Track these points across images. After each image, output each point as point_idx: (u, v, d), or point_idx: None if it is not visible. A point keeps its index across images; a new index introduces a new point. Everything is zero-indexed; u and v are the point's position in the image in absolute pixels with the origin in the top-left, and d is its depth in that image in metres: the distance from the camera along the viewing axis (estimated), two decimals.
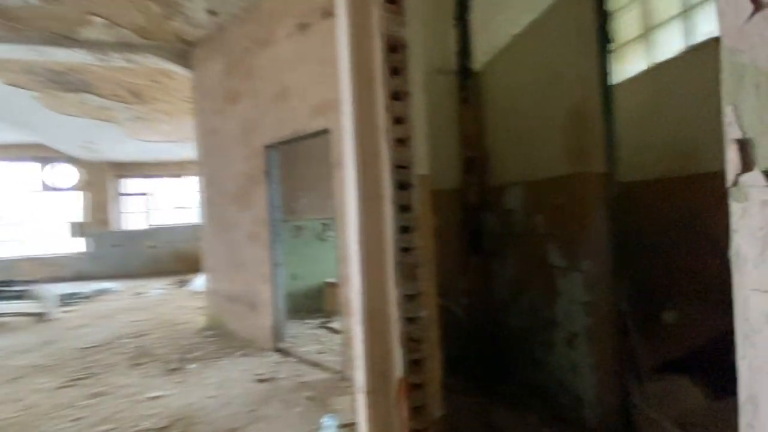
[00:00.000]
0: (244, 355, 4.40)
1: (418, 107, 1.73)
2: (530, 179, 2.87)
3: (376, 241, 1.78)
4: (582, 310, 2.35)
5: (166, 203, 11.97)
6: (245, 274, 4.78)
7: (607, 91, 2.25)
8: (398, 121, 1.71)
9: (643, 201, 3.19)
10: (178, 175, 11.83)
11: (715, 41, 2.55)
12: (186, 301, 7.26)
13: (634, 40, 3.71)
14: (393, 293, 1.69)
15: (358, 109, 1.84)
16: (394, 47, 1.67)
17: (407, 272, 1.68)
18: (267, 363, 4.18)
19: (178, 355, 4.40)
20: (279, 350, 4.42)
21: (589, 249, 2.29)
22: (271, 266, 4.39)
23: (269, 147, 4.39)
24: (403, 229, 1.70)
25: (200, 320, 5.67)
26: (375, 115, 1.81)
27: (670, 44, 3.34)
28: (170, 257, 10.57)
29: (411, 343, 1.66)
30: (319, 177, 5.49)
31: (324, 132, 3.77)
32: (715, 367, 2.63)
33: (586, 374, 2.34)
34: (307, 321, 5.52)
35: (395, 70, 1.68)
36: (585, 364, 2.35)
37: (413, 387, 1.66)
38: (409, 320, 1.68)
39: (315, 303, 5.84)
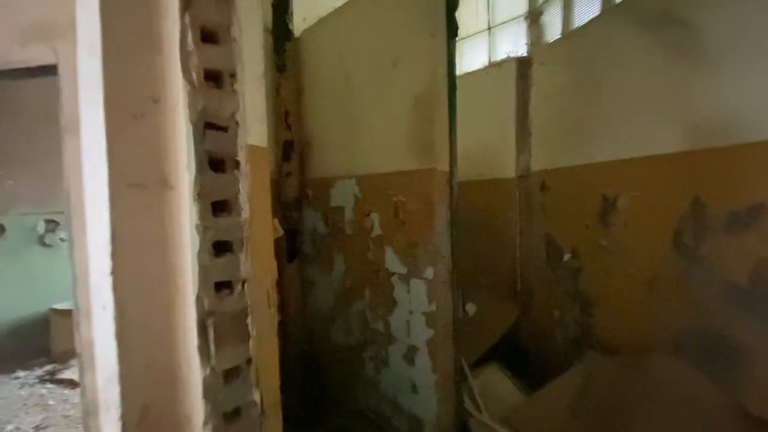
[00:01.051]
0: None
1: (249, 18, 0.96)
2: (365, 173, 2.46)
3: (158, 273, 0.92)
4: (423, 322, 2.12)
5: None
6: None
7: (453, 84, 2.07)
8: (209, 37, 0.89)
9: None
10: None
11: (513, 61, 2.80)
12: None
13: None
14: (196, 374, 0.88)
15: (112, 4, 0.91)
16: None
17: (226, 329, 0.90)
18: None
19: None
20: None
21: (434, 253, 2.06)
22: None
23: None
24: (220, 248, 0.91)
25: None
26: (156, 20, 0.92)
27: (477, 57, 3.68)
28: None
29: None
30: (41, 147, 3.52)
31: (47, 69, 2.18)
32: (515, 351, 3.02)
33: (426, 391, 2.12)
34: (18, 374, 3.47)
35: None
36: (425, 381, 2.13)
37: None
38: (230, 416, 0.90)
39: (33, 343, 3.76)
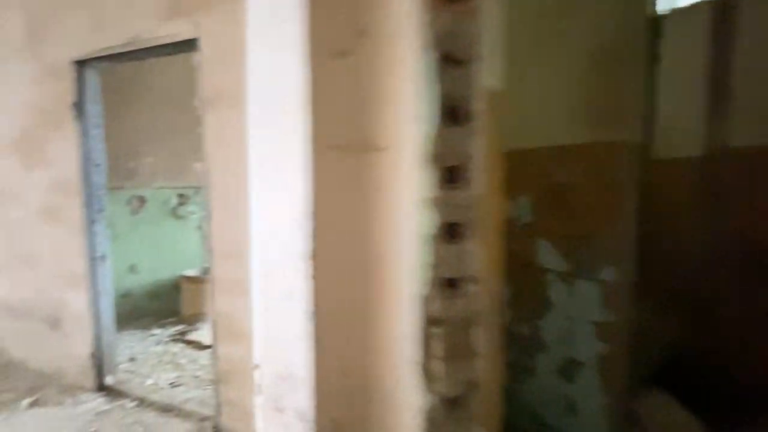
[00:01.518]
0: (36, 403, 2.63)
1: None
2: (510, 147, 2.08)
3: (358, 261, 0.69)
4: (593, 333, 1.72)
5: None
6: (37, 273, 2.90)
7: (654, 27, 1.58)
8: None
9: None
10: None
11: (708, 2, 1.94)
12: None
13: None
14: (411, 396, 0.64)
15: None
16: None
17: (452, 343, 0.64)
18: (80, 415, 2.55)
19: None
20: (105, 388, 2.81)
21: (613, 250, 1.63)
22: (88, 259, 2.69)
23: (82, 64, 2.57)
24: (450, 231, 0.64)
25: None
26: None
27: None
28: None
29: None
30: (177, 123, 3.75)
31: (187, 44, 2.17)
32: (683, 380, 2.43)
33: (591, 416, 1.74)
34: (154, 331, 3.86)
35: None
36: (590, 403, 1.74)
37: None
38: None
39: (166, 304, 4.17)
